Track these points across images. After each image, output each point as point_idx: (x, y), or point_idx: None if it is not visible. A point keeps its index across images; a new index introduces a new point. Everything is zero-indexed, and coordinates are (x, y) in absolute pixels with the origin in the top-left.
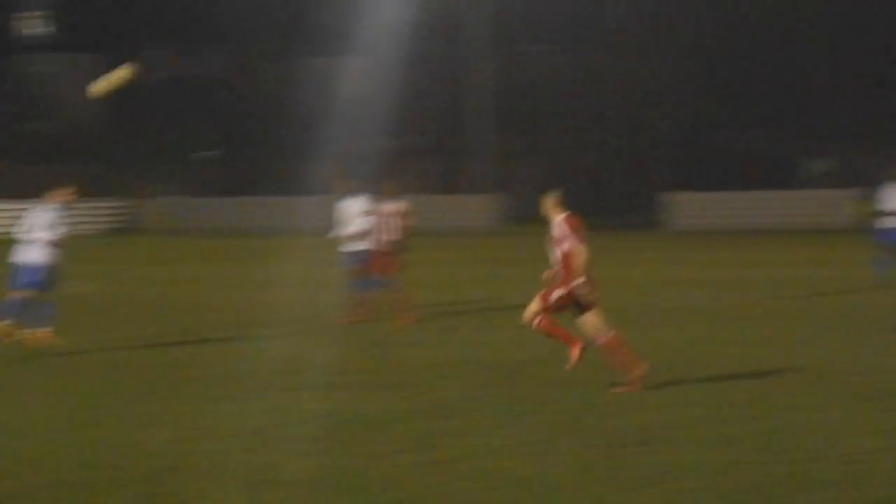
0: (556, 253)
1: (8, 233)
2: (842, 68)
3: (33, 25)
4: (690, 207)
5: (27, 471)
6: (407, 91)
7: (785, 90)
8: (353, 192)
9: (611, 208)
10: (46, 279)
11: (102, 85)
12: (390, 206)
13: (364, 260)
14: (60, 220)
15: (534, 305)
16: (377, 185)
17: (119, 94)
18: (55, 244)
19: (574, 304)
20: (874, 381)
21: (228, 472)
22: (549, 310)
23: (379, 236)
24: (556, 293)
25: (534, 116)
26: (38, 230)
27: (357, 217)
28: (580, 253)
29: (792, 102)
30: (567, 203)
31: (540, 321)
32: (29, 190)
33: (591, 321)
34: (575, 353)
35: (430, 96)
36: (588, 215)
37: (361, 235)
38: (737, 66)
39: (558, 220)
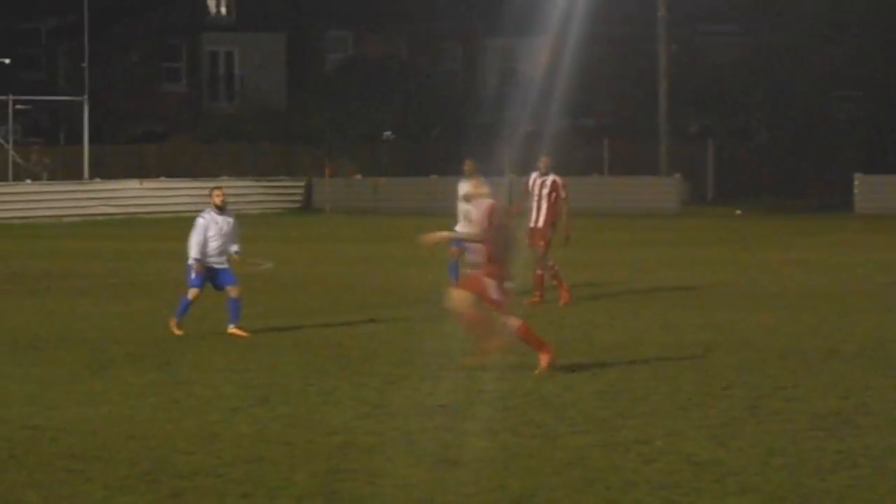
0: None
1: (190, 210)
2: None
3: (219, 5)
4: (876, 190)
5: (207, 447)
6: (586, 72)
7: None
8: (474, 173)
9: (799, 190)
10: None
11: None
12: (540, 181)
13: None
14: (230, 232)
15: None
16: (558, 163)
17: (300, 74)
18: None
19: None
20: None
21: (410, 451)
22: (495, 302)
23: (535, 212)
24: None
25: (715, 98)
26: (214, 238)
27: (462, 200)
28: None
29: None
30: (490, 192)
31: (520, 328)
32: (210, 168)
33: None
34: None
35: (611, 78)
36: (777, 196)
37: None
38: None
39: (483, 205)
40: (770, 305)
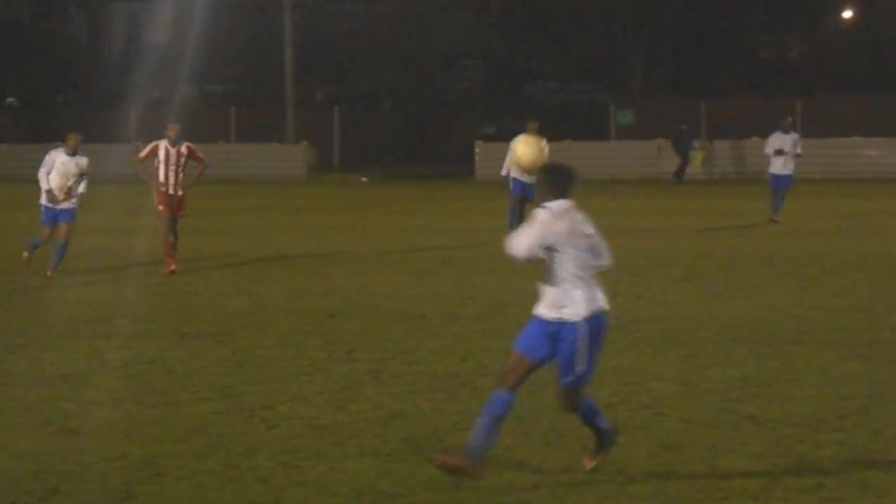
0: None
1: None
2: (649, 18)
3: None
4: (495, 157)
5: None
6: (213, 39)
7: (597, 42)
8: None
9: (423, 157)
10: None
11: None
12: (174, 150)
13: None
14: None
15: None
16: (186, 131)
17: None
18: None
19: None
20: (669, 329)
21: (30, 421)
22: None
23: (167, 179)
24: None
25: (341, 66)
26: None
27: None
28: None
29: (602, 54)
30: None
31: None
32: None
33: None
34: None
35: (237, 44)
36: (401, 163)
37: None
38: (549, 17)
39: None
40: (393, 270)
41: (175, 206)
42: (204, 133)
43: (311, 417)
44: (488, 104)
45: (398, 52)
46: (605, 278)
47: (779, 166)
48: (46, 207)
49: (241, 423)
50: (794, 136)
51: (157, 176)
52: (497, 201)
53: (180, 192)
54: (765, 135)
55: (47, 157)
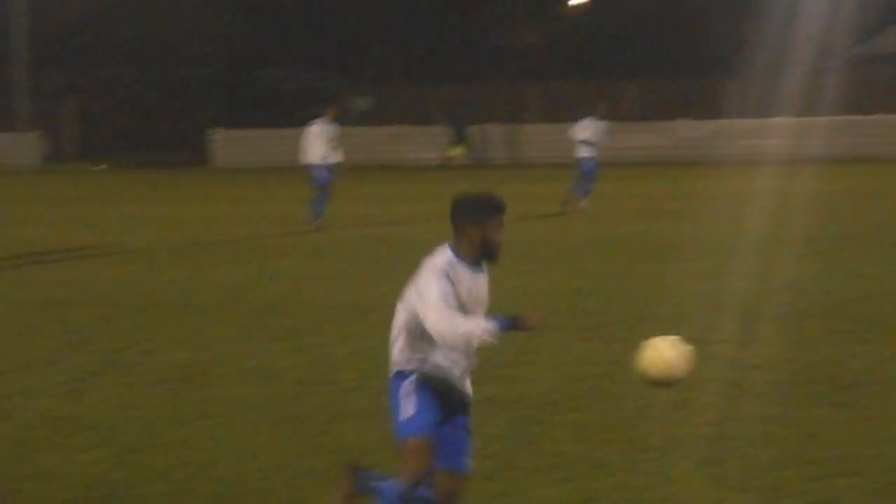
0: None
1: None
2: (384, 5)
3: None
4: (235, 145)
5: None
6: None
7: (332, 27)
8: None
9: (156, 145)
10: None
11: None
12: None
13: None
14: None
15: None
16: None
17: None
18: None
19: None
20: None
21: None
22: None
23: None
24: None
25: (75, 53)
26: None
27: None
28: None
29: (339, 40)
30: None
31: None
32: None
33: None
34: None
35: None
36: (138, 151)
37: None
38: (281, 3)
39: None
40: (129, 260)
41: None
42: None
43: (45, 409)
44: (225, 91)
45: (131, 38)
46: (340, 264)
47: (587, 150)
48: None
49: None
50: (605, 122)
51: None
52: (237, 188)
53: None
54: (507, 120)
55: None
